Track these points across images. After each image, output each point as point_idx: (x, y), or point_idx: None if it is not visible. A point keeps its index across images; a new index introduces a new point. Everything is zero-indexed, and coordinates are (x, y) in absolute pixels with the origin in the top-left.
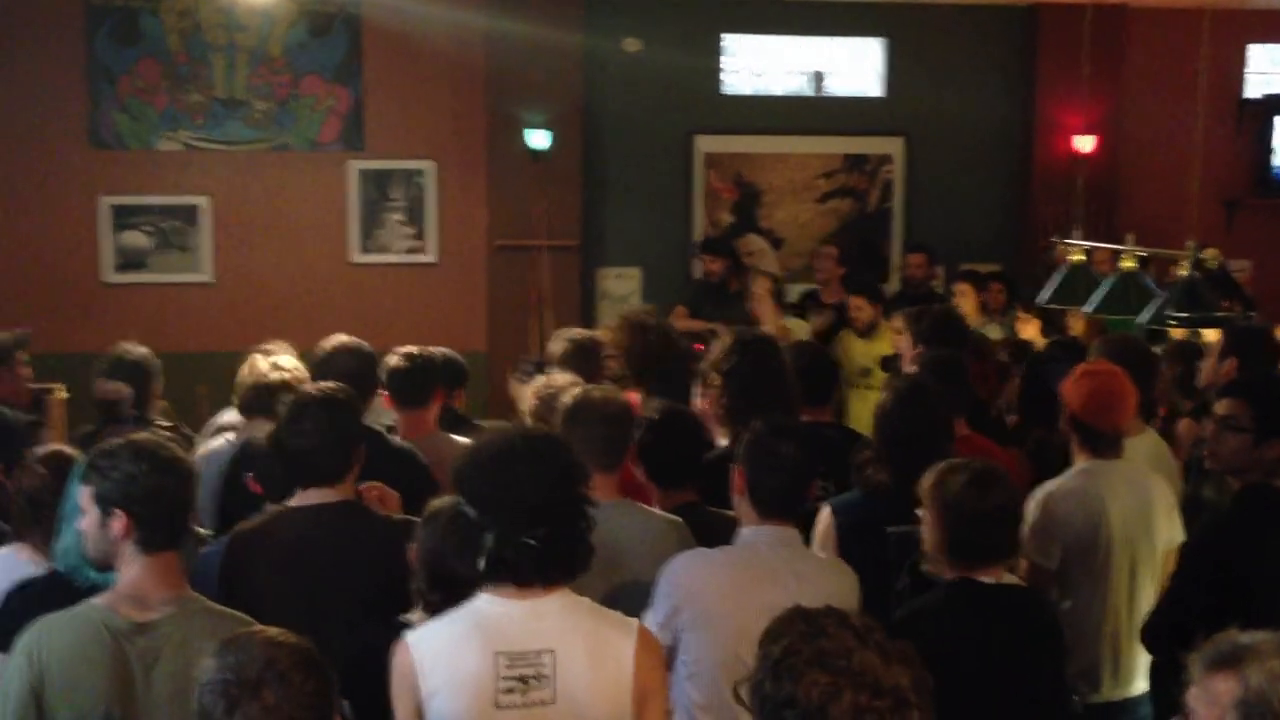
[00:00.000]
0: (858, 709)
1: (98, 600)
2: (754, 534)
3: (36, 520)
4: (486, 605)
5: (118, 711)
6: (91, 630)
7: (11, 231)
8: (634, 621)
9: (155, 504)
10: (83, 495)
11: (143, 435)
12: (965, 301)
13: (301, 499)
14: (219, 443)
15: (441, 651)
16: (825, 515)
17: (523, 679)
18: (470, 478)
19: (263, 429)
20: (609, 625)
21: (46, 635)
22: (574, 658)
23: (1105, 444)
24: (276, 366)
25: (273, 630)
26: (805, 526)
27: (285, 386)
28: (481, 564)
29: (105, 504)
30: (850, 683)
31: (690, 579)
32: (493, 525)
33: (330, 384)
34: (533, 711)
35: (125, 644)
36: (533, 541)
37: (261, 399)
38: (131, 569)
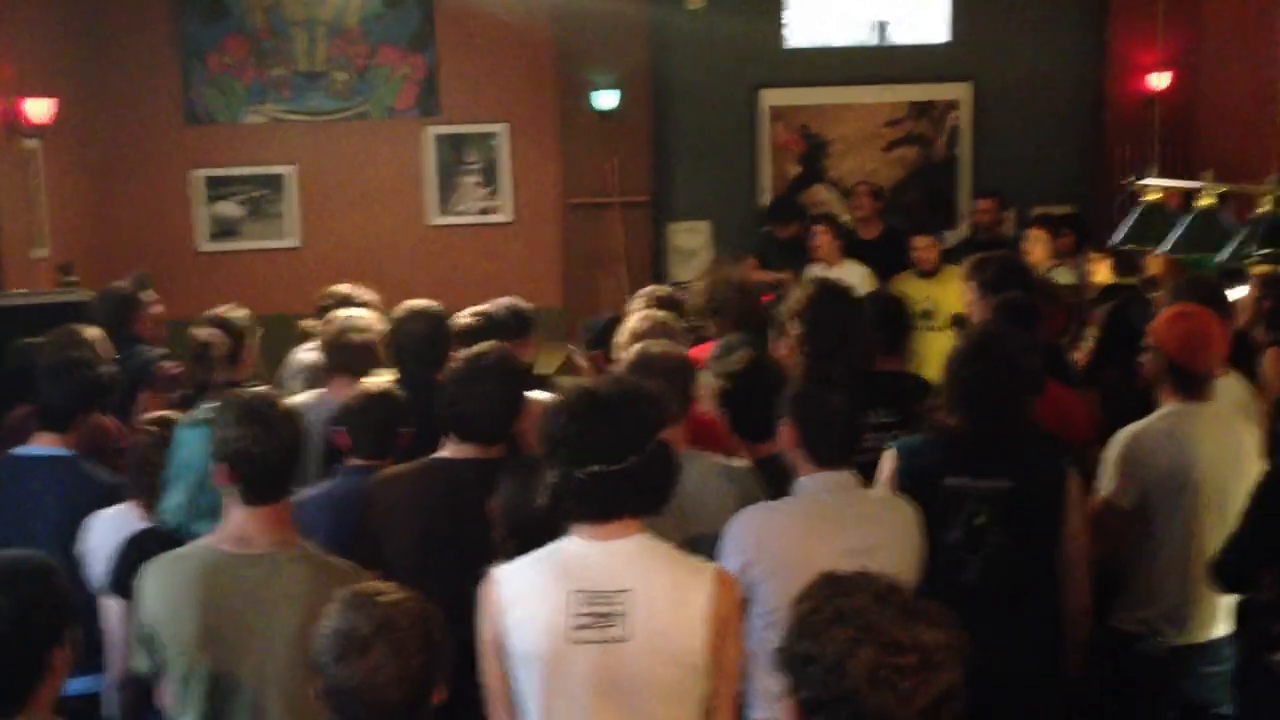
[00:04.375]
0: (876, 664)
1: (204, 540)
2: (812, 482)
3: (145, 480)
4: (568, 545)
5: (215, 634)
6: (192, 566)
7: (112, 205)
8: (711, 564)
9: (253, 464)
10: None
11: (255, 396)
12: (1038, 247)
13: (456, 451)
14: (303, 397)
15: (522, 588)
16: (889, 457)
17: (598, 616)
18: (542, 420)
19: (344, 385)
20: (686, 567)
21: (150, 575)
22: (651, 597)
23: (1196, 386)
24: (355, 328)
25: (400, 594)
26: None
27: (367, 348)
28: (544, 499)
29: (214, 456)
30: (869, 638)
31: (759, 531)
32: (554, 462)
33: (498, 345)
34: (607, 648)
35: (227, 576)
36: (582, 476)
37: (344, 358)
38: (236, 515)
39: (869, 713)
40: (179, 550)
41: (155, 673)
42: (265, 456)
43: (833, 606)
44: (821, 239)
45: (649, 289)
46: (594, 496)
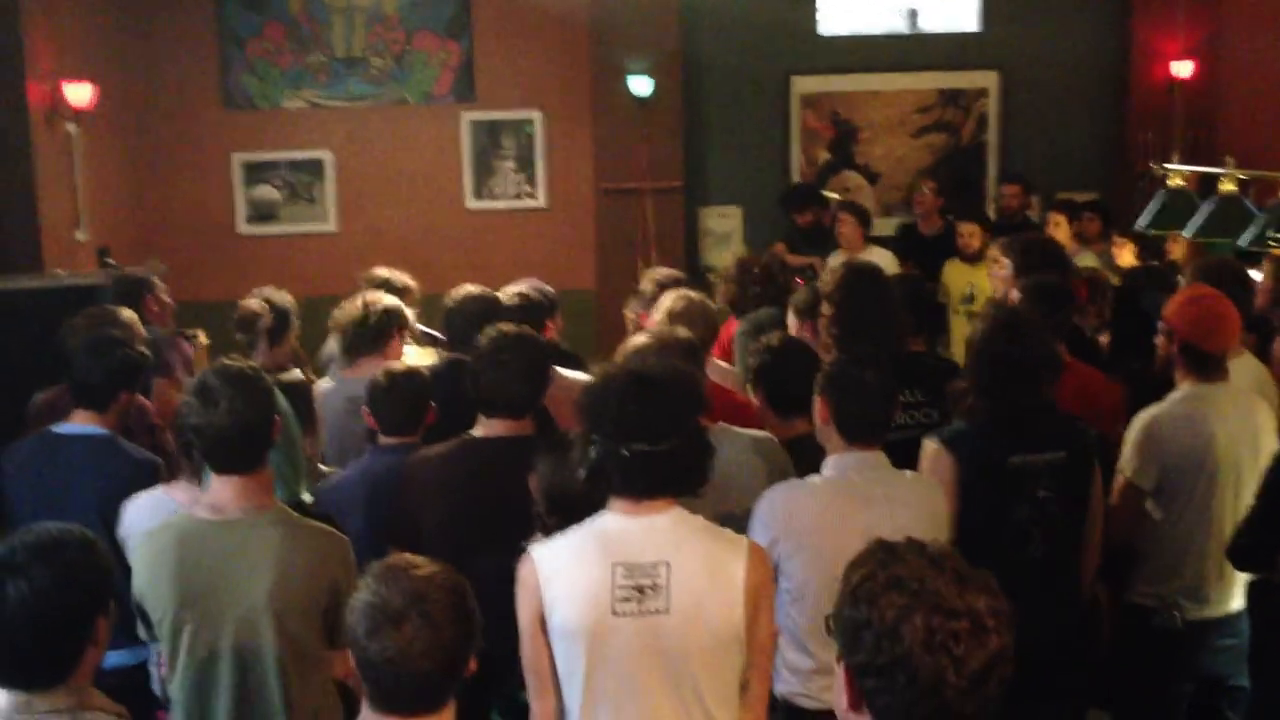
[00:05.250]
0: (930, 629)
1: (184, 509)
2: (842, 460)
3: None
4: (606, 521)
5: (191, 597)
6: (170, 533)
7: (151, 189)
8: (745, 538)
9: (198, 435)
10: None
11: (215, 368)
12: (1059, 231)
13: (488, 429)
14: (328, 383)
15: (562, 563)
16: (934, 448)
17: (639, 588)
18: (585, 396)
19: (372, 367)
20: (721, 541)
21: (137, 545)
22: (689, 570)
23: (1211, 367)
24: (363, 307)
25: (432, 567)
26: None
27: (384, 326)
28: (583, 474)
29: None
30: (922, 604)
31: (786, 509)
32: (596, 438)
33: (516, 325)
34: (647, 620)
35: (200, 542)
36: (625, 453)
37: (360, 339)
38: (212, 483)
39: (923, 678)
40: (164, 521)
41: (151, 640)
42: (206, 428)
43: (887, 573)
44: (846, 227)
45: (653, 271)
46: (636, 475)
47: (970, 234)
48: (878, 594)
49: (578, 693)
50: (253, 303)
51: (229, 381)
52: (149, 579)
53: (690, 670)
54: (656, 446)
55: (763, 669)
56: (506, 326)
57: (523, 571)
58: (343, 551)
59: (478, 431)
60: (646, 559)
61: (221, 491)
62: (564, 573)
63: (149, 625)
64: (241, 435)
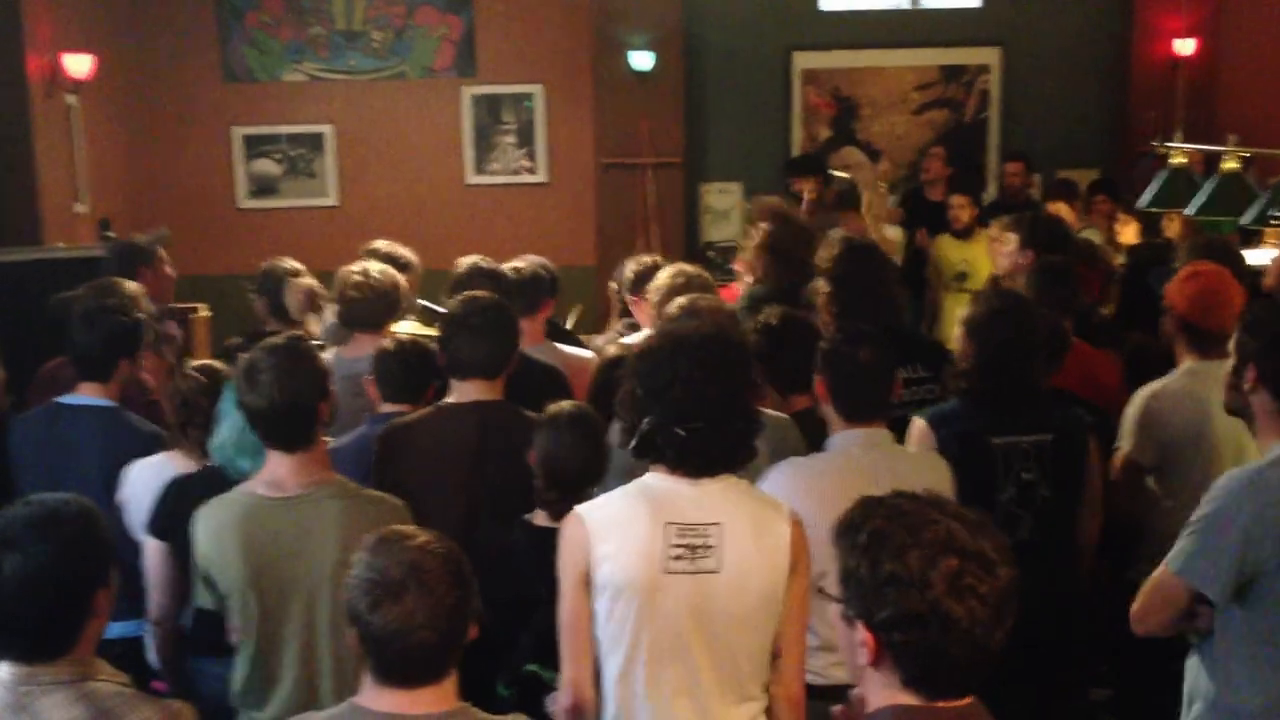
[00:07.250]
0: (955, 573)
1: (243, 485)
2: (845, 438)
3: (190, 424)
4: (655, 481)
5: (258, 573)
6: (233, 510)
7: (151, 162)
8: (786, 505)
9: (251, 414)
10: None
11: (261, 347)
12: (1059, 211)
13: (459, 395)
14: (327, 358)
15: (614, 520)
16: (921, 426)
17: (691, 547)
18: (642, 363)
19: (369, 344)
20: (767, 505)
21: (200, 519)
22: (738, 532)
23: (1211, 344)
24: (367, 278)
25: (424, 536)
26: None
27: (379, 302)
28: (633, 444)
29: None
30: (943, 549)
31: (789, 487)
32: (652, 411)
33: (486, 293)
34: (699, 579)
35: (263, 519)
36: (682, 432)
37: (356, 314)
38: (270, 460)
39: (954, 621)
40: (223, 496)
41: (219, 609)
42: (257, 407)
43: (901, 524)
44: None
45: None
46: (690, 453)
47: (960, 206)
48: (898, 546)
49: (620, 652)
50: (303, 280)
51: (275, 358)
52: (217, 554)
53: (733, 630)
54: (716, 427)
55: (797, 638)
56: (478, 293)
57: (568, 529)
58: (402, 517)
59: (450, 398)
60: (699, 519)
61: (280, 467)
62: (615, 529)
63: (214, 595)
64: (290, 413)
